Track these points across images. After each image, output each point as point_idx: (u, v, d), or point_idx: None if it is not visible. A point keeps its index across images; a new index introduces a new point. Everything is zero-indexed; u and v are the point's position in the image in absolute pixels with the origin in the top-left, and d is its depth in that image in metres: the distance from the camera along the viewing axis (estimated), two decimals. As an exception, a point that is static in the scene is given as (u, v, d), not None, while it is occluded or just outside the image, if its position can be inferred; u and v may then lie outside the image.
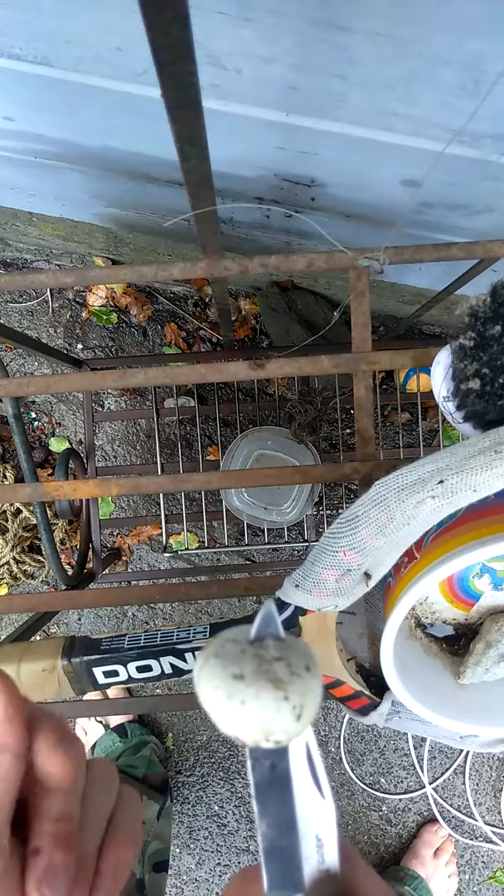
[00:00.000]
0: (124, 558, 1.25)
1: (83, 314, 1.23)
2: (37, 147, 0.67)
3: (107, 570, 1.09)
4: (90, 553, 0.97)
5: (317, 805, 0.21)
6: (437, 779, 1.24)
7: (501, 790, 1.24)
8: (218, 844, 1.24)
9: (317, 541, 0.66)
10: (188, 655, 0.44)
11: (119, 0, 0.41)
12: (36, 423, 1.24)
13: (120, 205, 0.85)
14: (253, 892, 0.21)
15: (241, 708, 0.18)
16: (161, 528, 0.99)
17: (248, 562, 1.24)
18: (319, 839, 0.21)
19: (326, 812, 0.22)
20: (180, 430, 1.21)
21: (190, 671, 0.44)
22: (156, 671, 0.44)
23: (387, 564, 0.37)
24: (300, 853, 0.21)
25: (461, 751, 1.25)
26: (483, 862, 1.24)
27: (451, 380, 0.40)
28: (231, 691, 0.19)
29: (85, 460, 0.99)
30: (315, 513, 1.01)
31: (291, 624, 0.42)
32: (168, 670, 0.44)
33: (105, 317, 1.22)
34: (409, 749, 1.25)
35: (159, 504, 0.98)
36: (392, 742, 1.25)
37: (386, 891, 0.22)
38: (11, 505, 1.14)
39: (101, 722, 1.22)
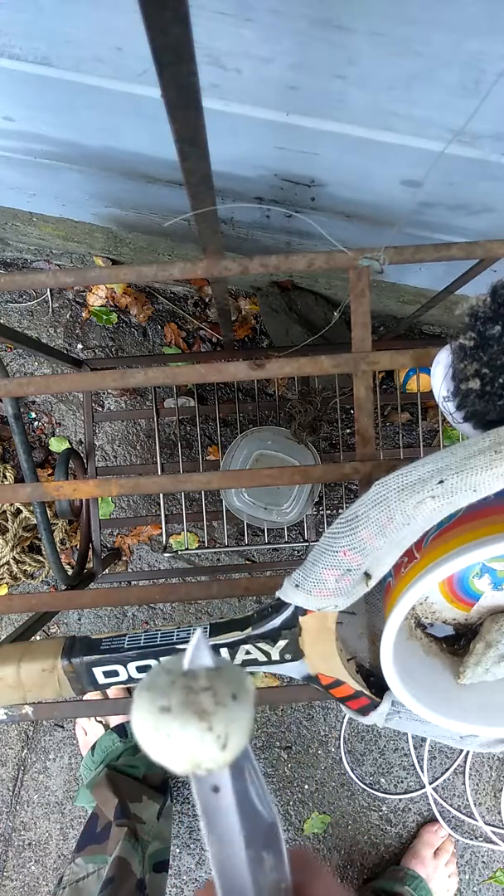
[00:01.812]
0: (124, 558, 1.25)
1: (83, 314, 1.23)
2: (37, 147, 0.67)
3: (107, 570, 1.09)
4: (90, 553, 0.97)
5: (261, 823, 0.22)
6: (437, 779, 1.24)
7: (501, 790, 1.24)
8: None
9: (317, 541, 0.66)
10: (188, 655, 0.44)
11: (119, 0, 0.41)
12: (36, 423, 1.24)
13: (120, 205, 0.85)
14: None
15: (168, 740, 0.19)
16: (161, 528, 0.99)
17: (248, 562, 1.24)
18: (265, 857, 0.22)
19: (271, 829, 0.22)
20: (180, 430, 1.21)
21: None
22: (156, 671, 0.44)
23: (387, 564, 0.37)
24: (248, 872, 0.21)
25: (461, 751, 1.25)
26: (483, 862, 1.24)
27: (451, 380, 0.40)
28: (158, 724, 0.19)
29: (85, 460, 0.99)
30: (315, 513, 1.01)
31: (291, 624, 0.42)
32: (168, 670, 0.44)
33: (105, 317, 1.22)
34: (409, 749, 1.25)
35: (159, 504, 0.98)
36: (392, 742, 1.25)
37: None
38: (11, 505, 1.14)
39: (101, 722, 1.22)
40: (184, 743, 0.19)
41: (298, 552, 1.16)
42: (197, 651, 0.21)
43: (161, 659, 0.22)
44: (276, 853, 0.22)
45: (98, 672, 0.43)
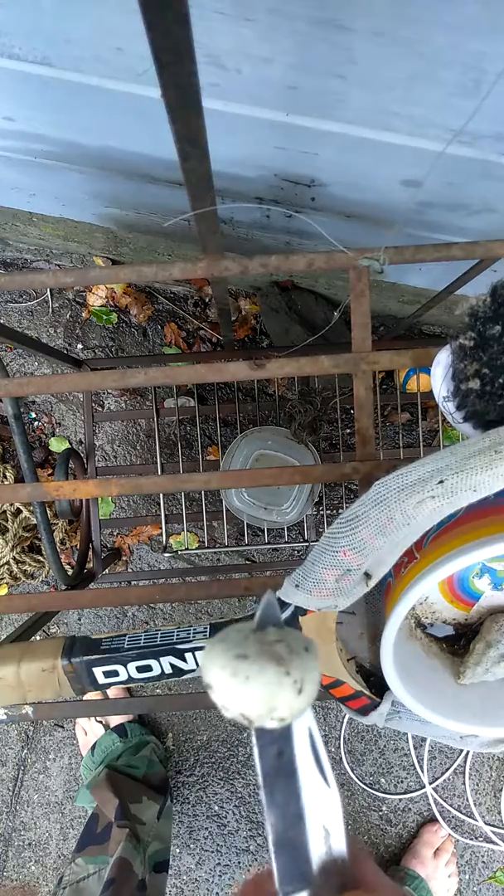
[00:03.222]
0: (124, 558, 1.25)
1: (83, 314, 1.23)
2: (37, 147, 0.67)
3: (107, 570, 1.09)
4: (90, 553, 0.97)
5: (322, 794, 0.22)
6: (437, 779, 1.24)
7: (501, 790, 1.24)
8: (218, 844, 1.24)
9: (317, 541, 0.66)
10: (188, 655, 0.44)
11: (119, 0, 0.41)
12: (36, 423, 1.24)
13: (120, 205, 0.85)
14: (265, 890, 0.21)
15: (246, 683, 0.20)
16: (161, 528, 0.99)
17: (248, 562, 1.24)
18: (326, 829, 0.22)
19: (332, 801, 0.22)
20: (180, 430, 1.21)
21: (190, 671, 0.44)
22: (156, 671, 0.44)
23: (387, 564, 0.37)
24: (309, 845, 0.21)
25: (461, 751, 1.25)
26: (483, 862, 1.24)
27: (451, 380, 0.40)
28: (236, 669, 0.20)
29: (85, 460, 0.99)
30: (315, 513, 1.01)
31: (291, 624, 0.42)
32: (168, 670, 0.44)
33: (105, 317, 1.22)
34: (409, 749, 1.25)
35: (159, 504, 0.98)
36: (392, 742, 1.25)
37: (394, 888, 0.22)
38: (11, 505, 1.14)
39: (101, 722, 1.22)
40: (262, 686, 0.20)
41: (298, 552, 1.16)
42: (267, 610, 0.22)
43: (226, 627, 0.23)
44: (335, 826, 0.22)
45: (98, 672, 0.43)
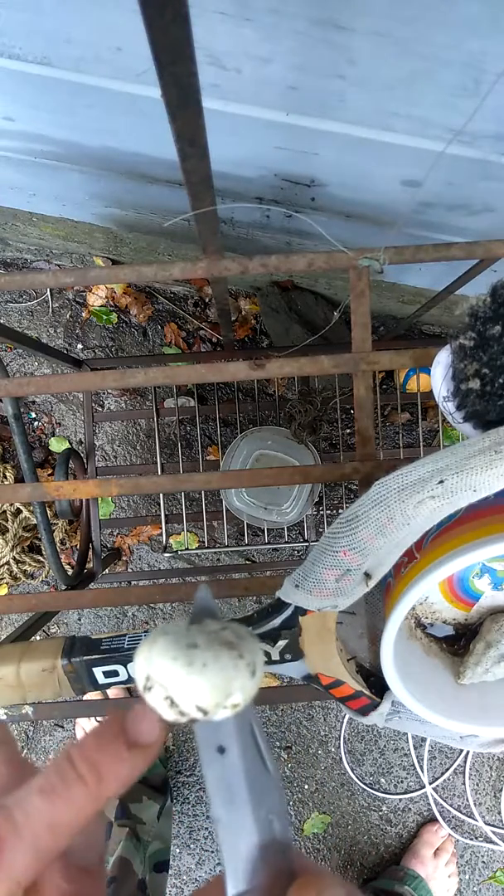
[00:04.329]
0: (124, 558, 1.25)
1: (83, 314, 1.23)
2: (37, 147, 0.67)
3: (107, 570, 1.09)
4: (90, 553, 0.97)
5: (265, 782, 0.22)
6: (437, 779, 1.24)
7: (501, 790, 1.24)
8: (218, 844, 1.24)
9: (317, 541, 0.66)
10: (188, 655, 0.44)
11: (119, 0, 0.41)
12: (36, 423, 1.24)
13: (120, 205, 0.85)
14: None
15: (203, 670, 0.20)
16: (161, 528, 0.99)
17: (248, 562, 1.24)
18: (271, 819, 0.22)
19: (274, 787, 0.22)
20: (180, 430, 1.21)
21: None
22: (156, 671, 0.44)
23: (387, 564, 0.37)
24: (256, 837, 0.21)
25: (461, 751, 1.25)
26: (483, 862, 1.24)
27: (451, 380, 0.40)
28: (191, 658, 0.20)
29: (85, 460, 0.99)
30: (315, 513, 1.01)
31: (291, 624, 0.42)
32: (168, 670, 0.44)
33: (105, 317, 1.22)
34: (409, 749, 1.25)
35: (159, 504, 0.98)
36: (392, 742, 1.25)
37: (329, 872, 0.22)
38: (11, 505, 1.14)
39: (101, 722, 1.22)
40: (219, 671, 0.20)
41: (298, 552, 1.16)
42: (202, 602, 0.23)
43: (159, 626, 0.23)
44: (280, 815, 0.22)
45: (98, 672, 0.43)
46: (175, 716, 0.20)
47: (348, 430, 1.20)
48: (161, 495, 1.00)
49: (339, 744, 1.25)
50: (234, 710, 0.20)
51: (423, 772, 1.24)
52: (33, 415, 1.24)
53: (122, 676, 0.44)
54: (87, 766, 0.20)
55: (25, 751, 1.26)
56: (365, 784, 1.24)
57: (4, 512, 1.15)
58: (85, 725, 1.23)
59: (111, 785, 0.21)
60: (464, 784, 1.24)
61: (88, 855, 0.22)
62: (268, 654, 0.43)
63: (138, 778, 0.22)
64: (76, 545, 1.22)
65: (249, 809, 0.21)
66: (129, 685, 0.45)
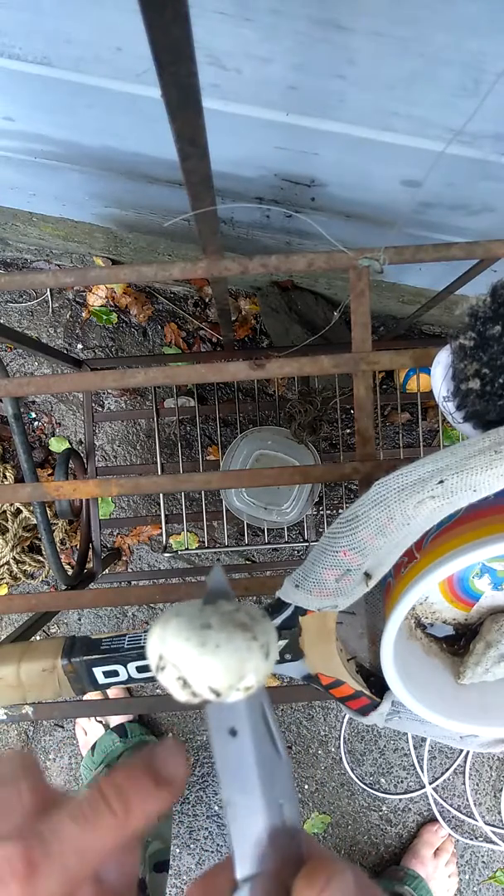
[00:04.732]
0: (124, 558, 1.25)
1: (83, 314, 1.23)
2: (37, 147, 0.67)
3: (107, 570, 1.08)
4: (90, 553, 0.97)
5: (276, 766, 0.22)
6: (437, 779, 1.24)
7: (501, 790, 1.24)
8: (218, 844, 1.24)
9: (317, 541, 0.66)
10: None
11: (119, 0, 0.41)
12: (36, 423, 1.24)
13: (120, 205, 0.85)
14: (222, 882, 0.22)
15: (216, 651, 0.20)
16: (161, 528, 0.99)
17: (248, 562, 1.24)
18: (281, 802, 0.22)
19: (285, 772, 0.22)
20: (180, 430, 1.21)
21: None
22: (156, 671, 0.44)
23: (387, 564, 0.37)
24: (265, 821, 0.21)
25: (461, 751, 1.25)
26: (483, 862, 1.24)
27: (451, 380, 0.40)
28: (204, 639, 0.20)
29: (85, 460, 0.99)
30: (315, 513, 1.01)
31: (291, 624, 0.42)
32: (168, 670, 0.44)
33: (105, 317, 1.22)
34: (409, 749, 1.25)
35: (159, 504, 0.98)
36: (392, 742, 1.25)
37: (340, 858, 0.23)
38: (11, 505, 1.14)
39: (100, 722, 1.22)
40: (233, 652, 0.20)
41: (298, 552, 1.16)
42: (216, 583, 0.22)
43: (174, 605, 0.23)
44: (290, 800, 0.22)
45: (98, 672, 0.43)
46: (187, 696, 0.20)
47: (348, 430, 1.20)
48: (161, 495, 1.00)
49: (339, 744, 1.25)
50: (247, 692, 0.20)
51: (423, 772, 1.24)
52: (33, 415, 1.24)
53: (122, 676, 0.44)
54: (116, 798, 0.21)
55: (25, 751, 1.26)
56: (365, 784, 1.24)
57: (4, 512, 1.15)
58: (85, 725, 1.23)
59: (138, 817, 0.22)
60: (464, 784, 1.24)
61: (120, 880, 0.23)
62: (268, 654, 0.43)
63: (164, 812, 0.23)
64: (76, 545, 1.22)
65: (260, 793, 0.21)
66: (129, 685, 0.45)
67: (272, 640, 0.21)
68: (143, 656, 0.43)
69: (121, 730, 1.18)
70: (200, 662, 0.20)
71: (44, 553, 1.18)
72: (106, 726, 1.21)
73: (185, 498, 1.07)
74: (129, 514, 1.24)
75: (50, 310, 1.23)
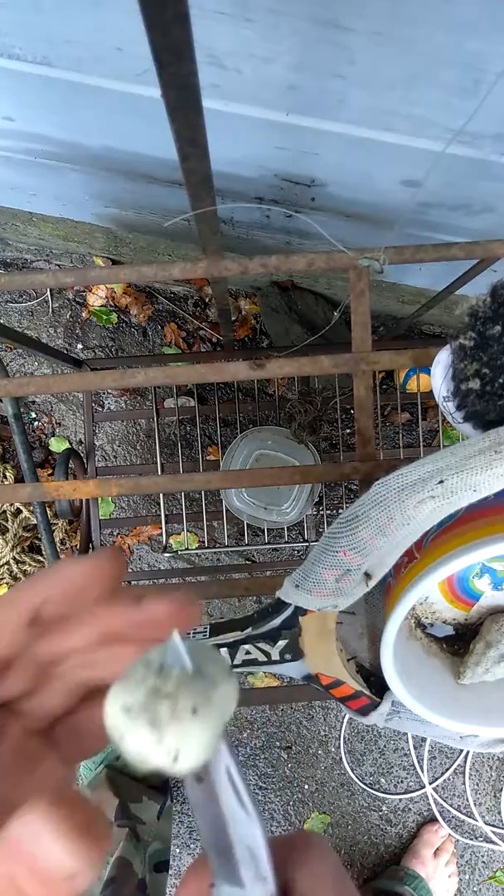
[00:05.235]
0: (124, 558, 1.25)
1: (83, 314, 1.23)
2: (37, 147, 0.67)
3: (107, 570, 1.08)
4: (90, 553, 0.97)
5: (243, 821, 0.22)
6: (437, 779, 1.24)
7: (501, 790, 1.24)
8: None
9: (317, 541, 0.66)
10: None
11: (119, 0, 0.41)
12: (36, 423, 1.24)
13: (120, 205, 0.85)
14: (204, 885, 0.22)
15: (122, 741, 0.19)
16: (161, 528, 0.99)
17: (248, 562, 1.24)
18: (252, 850, 0.22)
19: (253, 828, 0.22)
20: (180, 430, 1.21)
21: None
22: (156, 671, 0.44)
23: (387, 564, 0.37)
24: (237, 854, 0.21)
25: (461, 751, 1.25)
26: (483, 862, 1.24)
27: (451, 380, 0.40)
28: (116, 722, 0.19)
29: (85, 460, 0.99)
30: (315, 513, 1.01)
31: (291, 624, 0.42)
32: (168, 670, 0.44)
33: (105, 317, 1.22)
34: (409, 749, 1.25)
35: (159, 504, 0.98)
36: (392, 742, 1.25)
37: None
38: (11, 505, 1.14)
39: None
40: (134, 747, 0.19)
41: (298, 552, 1.16)
42: (172, 651, 0.20)
43: (155, 648, 0.21)
44: (259, 852, 0.22)
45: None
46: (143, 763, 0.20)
47: (348, 430, 1.20)
48: (161, 495, 1.00)
49: (339, 744, 1.24)
50: (193, 765, 0.19)
51: (423, 772, 1.24)
52: (33, 415, 1.24)
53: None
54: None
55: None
56: (365, 784, 1.24)
57: (4, 512, 1.15)
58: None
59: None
60: (464, 784, 1.24)
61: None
62: (268, 654, 0.43)
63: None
64: (76, 545, 1.22)
65: (230, 833, 0.21)
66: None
67: (187, 745, 0.19)
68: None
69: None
70: (113, 739, 0.19)
71: (44, 553, 1.18)
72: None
73: (185, 498, 1.07)
74: (129, 514, 1.24)
75: (50, 310, 1.23)
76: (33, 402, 1.24)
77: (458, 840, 1.23)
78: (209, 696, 0.19)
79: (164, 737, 0.18)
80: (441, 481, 0.34)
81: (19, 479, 1.18)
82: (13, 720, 0.23)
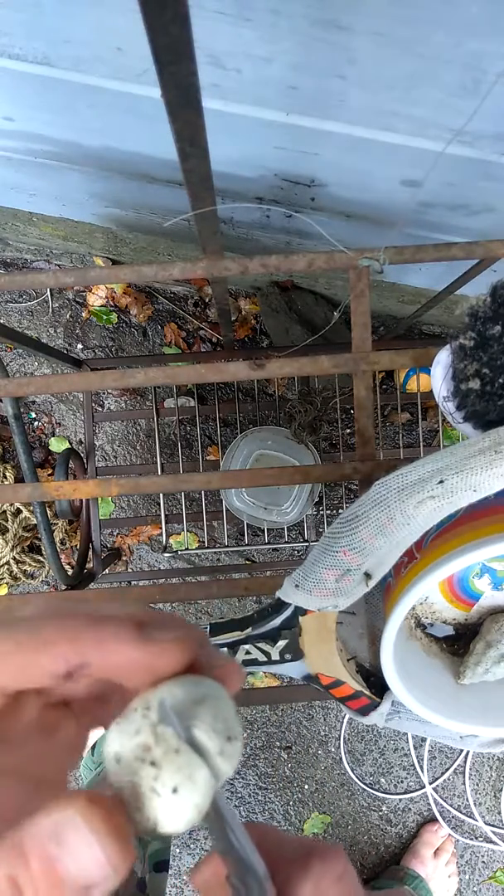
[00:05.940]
0: (124, 558, 1.25)
1: (83, 314, 1.23)
2: (37, 147, 0.67)
3: (107, 570, 1.08)
4: (90, 553, 0.97)
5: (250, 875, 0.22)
6: (437, 779, 1.24)
7: (501, 790, 1.24)
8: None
9: (317, 541, 0.66)
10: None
11: (119, 0, 0.41)
12: (36, 423, 1.24)
13: (120, 205, 0.85)
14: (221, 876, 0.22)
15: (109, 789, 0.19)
16: (161, 528, 0.99)
17: (248, 562, 1.24)
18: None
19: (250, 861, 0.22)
20: (180, 430, 1.21)
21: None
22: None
23: (387, 564, 0.37)
24: (247, 860, 0.21)
25: (461, 751, 1.25)
26: (483, 862, 1.24)
27: (451, 380, 0.40)
28: (108, 764, 0.19)
29: (85, 460, 0.99)
30: (315, 513, 1.01)
31: (291, 624, 0.42)
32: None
33: (105, 317, 1.22)
34: (409, 749, 1.25)
35: (159, 504, 0.98)
36: (392, 742, 1.25)
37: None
38: (11, 505, 1.14)
39: (101, 722, 1.22)
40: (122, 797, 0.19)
41: (298, 552, 1.16)
42: (164, 714, 0.19)
43: (160, 687, 0.21)
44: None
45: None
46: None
47: (348, 430, 1.20)
48: (161, 495, 1.00)
49: (339, 744, 1.25)
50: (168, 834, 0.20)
51: (423, 772, 1.24)
52: (33, 415, 1.24)
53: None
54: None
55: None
56: (365, 784, 1.24)
57: (4, 512, 1.15)
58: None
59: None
60: (464, 784, 1.24)
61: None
62: (268, 654, 0.44)
63: None
64: (76, 545, 1.22)
65: (234, 846, 0.21)
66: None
67: (164, 819, 0.19)
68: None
69: (121, 730, 1.18)
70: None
71: (44, 553, 1.18)
72: (106, 726, 1.21)
73: (185, 498, 1.07)
74: (129, 514, 1.24)
75: (50, 310, 1.23)
76: (33, 402, 1.24)
77: (458, 840, 1.23)
78: (194, 778, 0.19)
79: (143, 807, 0.18)
80: (441, 481, 0.34)
81: (19, 479, 1.18)
82: (34, 693, 0.22)
